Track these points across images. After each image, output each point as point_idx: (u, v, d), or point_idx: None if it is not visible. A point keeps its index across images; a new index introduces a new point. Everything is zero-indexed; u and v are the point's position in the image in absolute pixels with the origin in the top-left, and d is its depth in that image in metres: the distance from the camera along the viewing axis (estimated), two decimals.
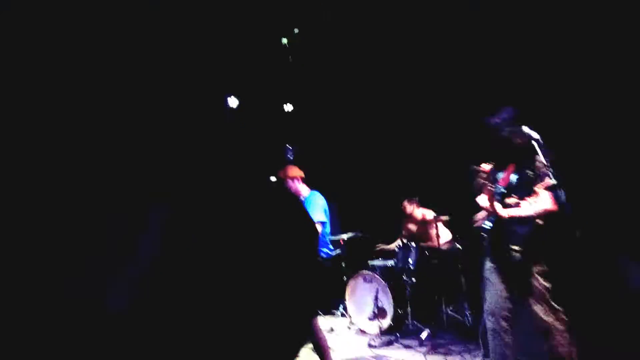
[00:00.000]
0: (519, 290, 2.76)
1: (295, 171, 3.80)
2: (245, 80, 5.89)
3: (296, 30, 4.93)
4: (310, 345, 3.36)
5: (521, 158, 2.79)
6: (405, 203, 5.57)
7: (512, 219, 2.76)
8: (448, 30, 4.79)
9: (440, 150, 5.48)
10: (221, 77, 5.60)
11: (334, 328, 5.16)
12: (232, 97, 6.16)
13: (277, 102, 6.39)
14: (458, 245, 5.08)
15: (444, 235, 5.25)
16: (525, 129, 2.61)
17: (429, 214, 5.37)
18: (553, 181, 2.49)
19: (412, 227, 5.61)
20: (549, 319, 2.63)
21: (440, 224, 5.14)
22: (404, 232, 5.67)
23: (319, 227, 3.60)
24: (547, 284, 2.68)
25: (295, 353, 1.38)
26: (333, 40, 5.16)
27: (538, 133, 2.59)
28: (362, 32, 4.97)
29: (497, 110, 2.88)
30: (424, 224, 5.48)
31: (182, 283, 1.11)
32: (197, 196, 1.26)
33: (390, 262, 5.34)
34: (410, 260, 5.04)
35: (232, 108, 6.15)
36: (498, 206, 2.80)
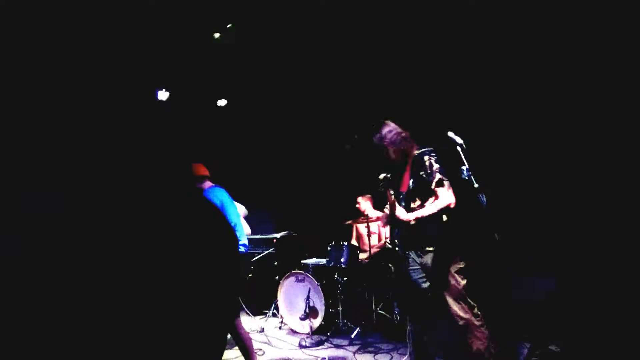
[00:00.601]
0: (437, 289, 2.83)
1: (198, 170, 3.77)
2: (178, 75, 5.68)
3: (230, 26, 4.79)
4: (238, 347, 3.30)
5: (411, 163, 2.91)
6: (360, 199, 5.58)
7: (420, 221, 2.83)
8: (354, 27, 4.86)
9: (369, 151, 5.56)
10: (152, 70, 5.35)
11: (264, 328, 5.10)
12: (163, 90, 5.91)
13: (210, 97, 6.21)
14: (389, 245, 5.21)
15: (380, 234, 5.37)
16: (450, 134, 2.71)
17: (377, 213, 5.41)
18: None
19: (358, 225, 5.65)
20: (466, 315, 2.71)
21: (375, 224, 5.24)
22: (353, 232, 5.71)
23: None
24: (463, 282, 2.75)
25: (219, 355, 1.33)
26: (269, 35, 5.08)
27: (461, 138, 2.69)
28: (294, 30, 4.93)
29: (377, 125, 3.01)
30: (368, 221, 5.53)
31: (94, 284, 1.03)
32: (108, 190, 1.18)
33: (323, 261, 5.37)
34: (342, 260, 5.10)
35: (161, 101, 5.91)
36: (402, 211, 2.86)
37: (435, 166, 2.75)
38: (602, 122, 3.89)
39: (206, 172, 3.77)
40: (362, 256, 5.33)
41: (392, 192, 2.85)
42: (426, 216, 2.79)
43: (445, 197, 2.75)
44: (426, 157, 2.78)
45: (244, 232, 3.79)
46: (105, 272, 1.05)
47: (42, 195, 1.08)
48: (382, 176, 2.92)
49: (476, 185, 2.62)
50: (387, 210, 2.96)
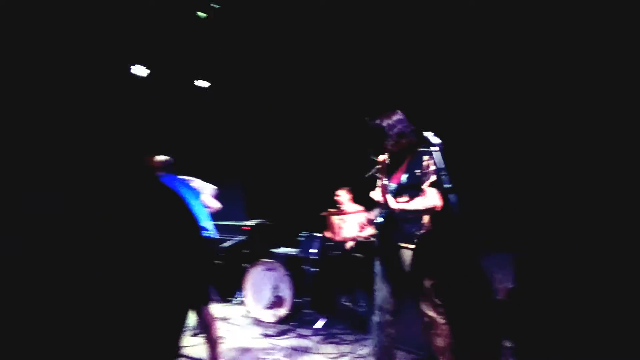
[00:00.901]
0: (406, 286, 2.87)
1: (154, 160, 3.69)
2: (158, 52, 5.52)
3: (215, 6, 4.67)
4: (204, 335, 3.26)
5: (410, 159, 2.92)
6: (339, 191, 5.55)
7: (403, 216, 2.85)
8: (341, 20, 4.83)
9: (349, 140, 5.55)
10: (131, 45, 5.18)
11: (229, 316, 5.05)
12: (140, 66, 5.73)
13: (189, 77, 6.06)
14: (361, 238, 5.21)
15: (353, 227, 5.36)
16: (427, 134, 2.70)
17: (354, 207, 5.40)
18: (441, 183, 2.62)
19: (337, 217, 5.61)
20: (432, 313, 2.81)
21: (350, 217, 5.25)
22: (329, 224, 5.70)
23: None
24: (432, 282, 2.82)
25: (178, 342, 1.30)
26: (253, 19, 4.98)
27: (440, 138, 2.69)
28: (282, 14, 4.85)
29: (383, 112, 2.98)
30: (343, 213, 5.51)
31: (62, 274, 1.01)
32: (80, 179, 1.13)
33: (293, 251, 5.34)
34: (313, 250, 5.08)
35: (140, 77, 5.74)
36: (390, 199, 2.87)
37: (433, 168, 2.72)
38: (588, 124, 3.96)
39: (155, 164, 3.63)
40: (349, 245, 5.30)
41: (385, 179, 2.86)
42: (411, 210, 2.82)
43: (434, 198, 2.79)
44: (426, 157, 2.74)
45: (207, 217, 3.74)
46: (67, 254, 1.01)
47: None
48: (381, 157, 2.91)
49: (447, 186, 2.62)
50: (375, 194, 2.93)
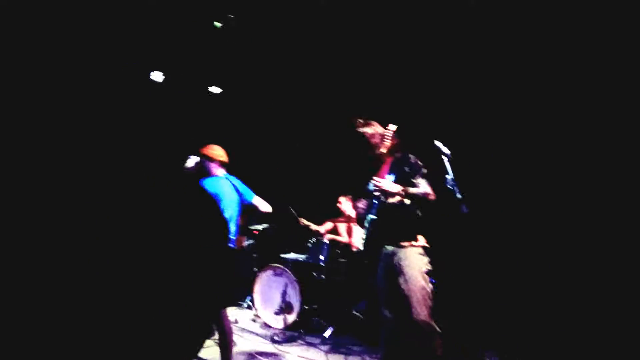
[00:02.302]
0: (403, 288, 2.73)
1: (216, 151, 3.65)
2: (174, 59, 5.63)
3: (231, 17, 4.77)
4: (217, 337, 3.29)
5: (394, 159, 2.93)
6: (342, 199, 5.60)
7: (397, 212, 2.82)
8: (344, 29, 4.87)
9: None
10: (149, 51, 5.31)
11: (238, 320, 5.08)
12: (157, 72, 5.85)
13: (204, 83, 6.16)
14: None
15: (357, 234, 5.37)
16: (437, 143, 2.71)
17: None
18: (453, 193, 2.60)
19: (339, 223, 5.65)
20: (429, 320, 2.67)
21: (354, 224, 5.25)
22: (326, 227, 5.72)
23: None
24: (430, 285, 2.74)
25: (200, 343, 1.32)
26: (267, 28, 5.06)
27: (448, 149, 2.70)
28: (290, 26, 4.93)
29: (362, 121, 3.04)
30: (348, 221, 5.54)
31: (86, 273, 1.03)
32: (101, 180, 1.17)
33: (302, 257, 5.36)
34: (321, 257, 5.10)
35: (156, 82, 5.86)
36: (390, 182, 2.79)
37: (421, 164, 2.81)
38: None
39: (217, 157, 3.62)
40: (354, 251, 5.29)
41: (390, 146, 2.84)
42: (411, 194, 2.76)
43: (428, 187, 2.79)
44: (412, 156, 2.84)
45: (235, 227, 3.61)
46: (90, 257, 1.04)
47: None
48: (392, 127, 2.87)
49: (458, 196, 2.62)
50: (377, 182, 2.83)
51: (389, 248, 2.87)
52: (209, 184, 3.50)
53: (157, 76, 5.84)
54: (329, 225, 5.64)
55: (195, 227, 1.31)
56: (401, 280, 2.73)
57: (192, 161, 3.69)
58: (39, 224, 1.05)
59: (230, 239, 3.49)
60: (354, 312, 4.94)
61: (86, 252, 1.07)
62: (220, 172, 3.64)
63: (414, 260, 2.77)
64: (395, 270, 2.78)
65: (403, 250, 2.80)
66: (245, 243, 5.51)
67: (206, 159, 3.62)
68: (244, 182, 3.76)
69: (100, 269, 1.07)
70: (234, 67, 5.86)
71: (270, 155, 6.63)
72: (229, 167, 3.72)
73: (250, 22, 4.99)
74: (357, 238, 5.40)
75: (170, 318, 1.17)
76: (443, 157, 2.67)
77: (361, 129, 2.99)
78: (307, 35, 5.08)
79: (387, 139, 2.88)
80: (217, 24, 5.01)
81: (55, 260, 1.04)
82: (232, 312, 5.34)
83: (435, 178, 2.75)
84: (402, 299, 2.69)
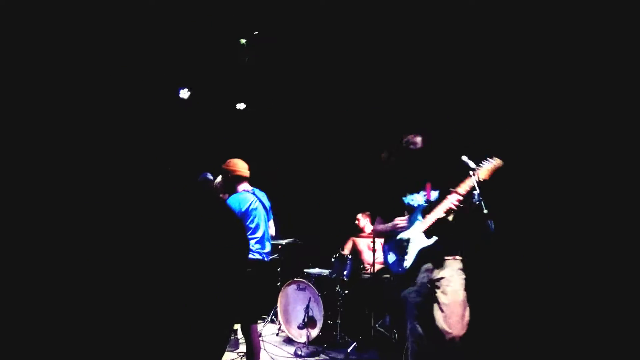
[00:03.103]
0: (443, 302, 2.71)
1: (237, 165, 3.63)
2: (201, 75, 5.80)
3: (256, 33, 4.92)
4: (243, 350, 3.32)
5: (435, 176, 2.95)
6: (360, 216, 5.64)
7: (447, 227, 2.81)
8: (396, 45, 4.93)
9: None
10: (176, 69, 5.48)
11: (262, 333, 5.11)
12: (185, 89, 6.03)
13: (230, 100, 6.32)
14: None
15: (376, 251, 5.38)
16: (464, 158, 2.72)
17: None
18: (481, 207, 2.60)
19: (358, 240, 5.70)
20: (462, 334, 2.64)
21: (381, 241, 5.24)
22: (346, 245, 5.74)
23: None
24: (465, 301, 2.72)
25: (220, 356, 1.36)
26: (291, 44, 5.19)
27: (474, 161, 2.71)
28: (318, 41, 5.03)
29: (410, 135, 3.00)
30: (368, 238, 5.55)
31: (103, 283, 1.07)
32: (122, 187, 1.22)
33: (326, 272, 5.38)
34: (345, 272, 5.10)
35: (183, 99, 6.03)
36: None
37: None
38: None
39: (240, 172, 3.59)
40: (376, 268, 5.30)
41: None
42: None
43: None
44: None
45: (264, 240, 3.60)
46: (116, 270, 1.09)
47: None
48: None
49: (486, 211, 2.62)
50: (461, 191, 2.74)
51: (430, 262, 2.84)
52: (234, 201, 3.48)
53: (185, 94, 6.02)
54: (350, 245, 5.68)
55: (218, 243, 1.34)
56: (442, 295, 2.72)
57: (209, 177, 3.74)
58: (74, 238, 1.10)
59: (262, 253, 3.52)
60: (378, 328, 4.91)
61: (112, 267, 1.11)
62: (244, 186, 3.63)
63: (456, 275, 2.77)
64: (436, 285, 2.77)
65: (446, 264, 2.81)
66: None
67: (228, 174, 3.60)
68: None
69: (126, 283, 1.11)
70: (259, 84, 6.00)
71: (287, 169, 6.70)
72: (252, 181, 3.74)
73: (274, 40, 5.13)
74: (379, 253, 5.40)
75: (192, 333, 1.20)
76: (470, 172, 2.67)
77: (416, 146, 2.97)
78: (321, 51, 5.19)
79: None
80: (243, 42, 5.17)
81: (83, 276, 1.08)
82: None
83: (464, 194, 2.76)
84: (440, 314, 2.68)
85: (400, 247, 2.96)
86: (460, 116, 4.70)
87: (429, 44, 4.74)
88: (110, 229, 1.10)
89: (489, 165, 2.74)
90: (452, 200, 2.75)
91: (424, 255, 2.86)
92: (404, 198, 3.03)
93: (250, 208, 3.50)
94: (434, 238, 2.81)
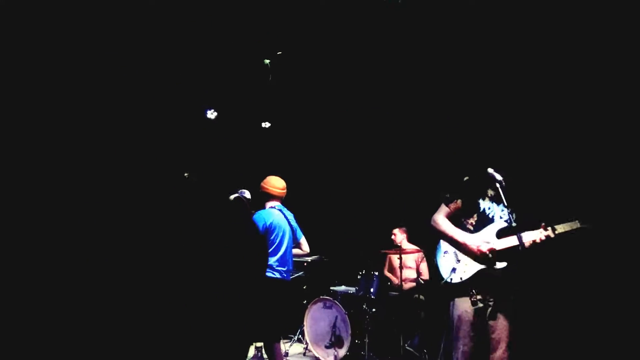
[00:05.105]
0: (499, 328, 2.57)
1: (269, 182, 3.70)
2: (227, 95, 5.93)
3: (279, 53, 5.02)
4: None
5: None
6: (396, 231, 5.54)
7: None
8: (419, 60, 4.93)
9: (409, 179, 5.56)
10: (203, 90, 5.63)
11: (289, 353, 5.05)
12: (212, 110, 6.18)
13: (256, 118, 6.42)
14: (421, 281, 5.12)
15: (417, 268, 5.30)
16: (490, 170, 2.65)
17: (411, 246, 5.33)
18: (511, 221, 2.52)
19: (394, 256, 5.57)
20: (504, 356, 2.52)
21: (416, 257, 5.20)
22: (387, 263, 5.67)
23: None
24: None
25: None
26: (314, 63, 5.26)
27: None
28: (341, 60, 5.09)
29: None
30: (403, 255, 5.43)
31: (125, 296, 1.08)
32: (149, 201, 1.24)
33: (352, 290, 5.30)
34: (371, 290, 5.02)
35: (210, 119, 6.17)
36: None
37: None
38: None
39: (268, 189, 3.66)
40: (408, 286, 5.22)
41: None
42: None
43: None
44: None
45: (286, 258, 3.59)
46: (132, 283, 1.10)
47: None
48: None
49: (514, 225, 2.54)
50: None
51: (489, 283, 2.62)
52: (258, 216, 3.50)
53: (212, 114, 6.16)
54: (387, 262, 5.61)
55: (240, 259, 1.34)
56: (498, 319, 2.58)
57: (240, 194, 3.80)
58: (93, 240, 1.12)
59: (282, 272, 3.51)
60: (407, 348, 4.78)
61: (138, 281, 1.12)
62: (273, 203, 3.67)
63: (509, 301, 2.62)
64: (496, 307, 2.59)
65: (504, 289, 2.62)
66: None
67: (261, 190, 3.69)
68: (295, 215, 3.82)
69: (151, 299, 1.11)
70: (284, 102, 6.09)
71: (312, 186, 6.73)
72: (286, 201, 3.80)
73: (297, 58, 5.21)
74: (410, 270, 5.31)
75: (205, 347, 1.19)
76: (497, 184, 2.60)
77: None
78: (346, 68, 5.23)
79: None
80: (268, 62, 5.27)
81: (106, 286, 1.09)
82: (282, 345, 5.31)
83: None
84: (490, 337, 2.56)
85: (462, 256, 2.69)
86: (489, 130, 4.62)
87: (457, 60, 4.72)
88: (145, 241, 1.12)
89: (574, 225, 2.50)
90: (540, 236, 2.53)
91: (487, 274, 2.61)
92: (481, 201, 2.75)
93: (273, 225, 3.50)
94: (504, 264, 2.58)
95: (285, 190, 3.73)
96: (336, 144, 6.51)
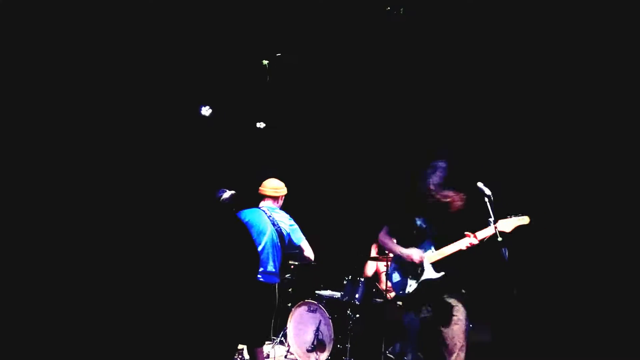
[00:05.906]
0: (449, 331, 2.69)
1: (266, 185, 3.78)
2: (222, 94, 5.93)
3: (278, 54, 5.04)
4: None
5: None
6: (376, 244, 5.56)
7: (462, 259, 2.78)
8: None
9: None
10: (199, 87, 5.62)
11: (270, 355, 5.04)
12: (207, 107, 6.16)
13: (251, 119, 6.42)
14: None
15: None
16: (479, 184, 2.70)
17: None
18: (496, 235, 2.57)
19: (372, 266, 5.61)
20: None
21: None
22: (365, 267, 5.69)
23: None
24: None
25: None
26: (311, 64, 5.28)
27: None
28: (337, 63, 5.12)
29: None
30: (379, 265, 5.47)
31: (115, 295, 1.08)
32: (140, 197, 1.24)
33: (337, 294, 5.32)
34: (356, 295, 5.04)
35: (204, 116, 6.15)
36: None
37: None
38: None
39: (260, 190, 3.76)
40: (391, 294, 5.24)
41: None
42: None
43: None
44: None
45: (271, 261, 3.57)
46: (118, 281, 1.10)
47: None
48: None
49: (500, 239, 2.59)
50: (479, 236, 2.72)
51: (435, 293, 2.80)
52: (242, 215, 3.53)
53: (206, 111, 6.15)
54: (370, 268, 5.63)
55: (227, 261, 1.33)
56: (445, 325, 2.69)
57: (227, 194, 3.82)
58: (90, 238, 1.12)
59: (270, 273, 3.50)
60: (388, 354, 4.80)
61: (119, 281, 1.11)
62: (263, 203, 3.69)
63: (460, 306, 2.74)
64: (439, 315, 2.74)
65: (451, 295, 2.77)
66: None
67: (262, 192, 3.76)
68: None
69: (132, 300, 1.11)
70: (278, 103, 6.10)
71: (301, 189, 6.75)
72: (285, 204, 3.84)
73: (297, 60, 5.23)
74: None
75: (195, 352, 1.19)
76: (485, 198, 2.65)
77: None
78: (341, 71, 5.26)
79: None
80: (266, 63, 5.29)
81: (91, 283, 1.09)
82: (264, 347, 5.30)
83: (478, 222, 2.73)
84: (445, 343, 2.64)
85: (406, 270, 2.94)
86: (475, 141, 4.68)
87: (456, 70, 4.78)
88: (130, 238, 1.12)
89: (514, 221, 2.71)
90: (466, 244, 2.73)
91: (429, 284, 2.82)
92: (417, 218, 2.97)
93: (249, 224, 3.50)
94: (442, 273, 2.78)
95: (274, 190, 3.75)
96: (326, 148, 6.54)
